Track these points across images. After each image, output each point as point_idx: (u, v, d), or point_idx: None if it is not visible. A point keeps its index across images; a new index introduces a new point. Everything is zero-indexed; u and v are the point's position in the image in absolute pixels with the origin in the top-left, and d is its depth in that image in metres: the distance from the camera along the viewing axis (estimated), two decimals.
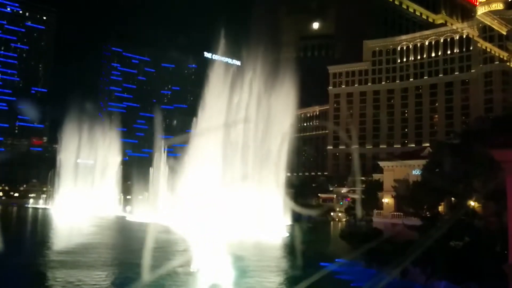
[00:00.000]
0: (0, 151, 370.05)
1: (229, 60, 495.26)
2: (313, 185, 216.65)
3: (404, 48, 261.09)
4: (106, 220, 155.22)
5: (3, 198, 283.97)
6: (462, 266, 47.07)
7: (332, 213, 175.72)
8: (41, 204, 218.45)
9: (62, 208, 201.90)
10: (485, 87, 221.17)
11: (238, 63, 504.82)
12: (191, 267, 63.71)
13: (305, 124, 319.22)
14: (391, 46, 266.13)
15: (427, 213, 55.90)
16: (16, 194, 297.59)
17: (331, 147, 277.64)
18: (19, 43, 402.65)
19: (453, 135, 69.61)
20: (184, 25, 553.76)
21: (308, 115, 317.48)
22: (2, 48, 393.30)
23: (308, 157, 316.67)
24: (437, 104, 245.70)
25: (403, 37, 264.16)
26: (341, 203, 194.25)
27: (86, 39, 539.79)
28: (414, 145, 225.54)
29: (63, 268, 62.50)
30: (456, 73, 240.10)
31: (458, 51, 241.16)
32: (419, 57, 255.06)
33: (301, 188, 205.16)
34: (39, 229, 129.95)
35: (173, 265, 64.26)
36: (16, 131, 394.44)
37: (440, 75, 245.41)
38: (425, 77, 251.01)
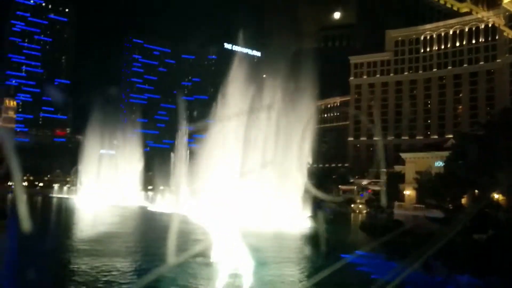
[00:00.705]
0: (24, 141, 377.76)
1: (249, 51, 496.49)
2: (333, 176, 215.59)
3: (428, 37, 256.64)
4: (128, 210, 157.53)
5: (28, 188, 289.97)
6: (485, 260, 46.38)
7: (352, 205, 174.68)
8: (64, 194, 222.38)
9: (85, 198, 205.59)
10: (510, 77, 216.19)
11: (258, 54, 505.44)
12: (211, 257, 64.24)
13: (325, 115, 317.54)
14: (414, 36, 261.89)
15: (450, 205, 55.08)
16: (41, 184, 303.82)
17: (352, 138, 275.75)
18: (42, 35, 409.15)
19: (477, 126, 68.30)
20: (205, 17, 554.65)
21: (329, 106, 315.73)
22: (26, 41, 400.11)
23: (328, 148, 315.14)
24: (461, 95, 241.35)
25: (427, 26, 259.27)
26: (361, 194, 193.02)
27: (107, 31, 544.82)
28: (437, 137, 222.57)
29: (86, 256, 63.66)
30: (481, 63, 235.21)
31: (483, 40, 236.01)
32: (443, 47, 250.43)
33: (322, 179, 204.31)
34: (64, 218, 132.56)
35: (193, 255, 64.84)
36: (40, 122, 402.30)
37: (465, 65, 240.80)
38: (449, 67, 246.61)
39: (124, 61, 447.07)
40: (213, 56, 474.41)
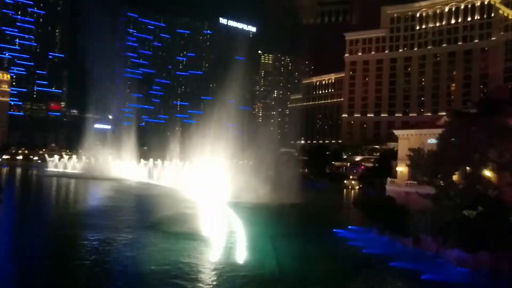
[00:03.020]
0: (19, 115, 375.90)
1: (245, 26, 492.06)
2: (327, 153, 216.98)
3: (424, 14, 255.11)
4: (123, 184, 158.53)
5: (24, 161, 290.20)
6: (475, 236, 47.70)
7: (345, 181, 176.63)
8: (60, 168, 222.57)
9: (81, 172, 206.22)
10: (505, 55, 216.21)
11: (253, 29, 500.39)
12: (206, 232, 65.53)
13: (320, 92, 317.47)
14: (410, 13, 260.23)
15: (441, 182, 56.13)
16: (36, 158, 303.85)
17: (346, 115, 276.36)
18: (35, 8, 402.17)
19: (470, 104, 68.91)
20: None
21: (324, 82, 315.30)
22: (19, 13, 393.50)
23: (322, 124, 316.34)
24: (455, 73, 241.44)
25: (423, 3, 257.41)
26: (354, 171, 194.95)
27: (102, 5, 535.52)
28: (430, 114, 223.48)
29: (89, 230, 64.79)
30: (475, 40, 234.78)
31: (478, 18, 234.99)
32: (438, 24, 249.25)
33: (315, 155, 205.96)
34: (64, 192, 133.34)
35: (188, 229, 66.15)
36: (35, 96, 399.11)
37: (459, 43, 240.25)
38: (443, 45, 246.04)
39: (119, 35, 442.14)
40: (208, 31, 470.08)
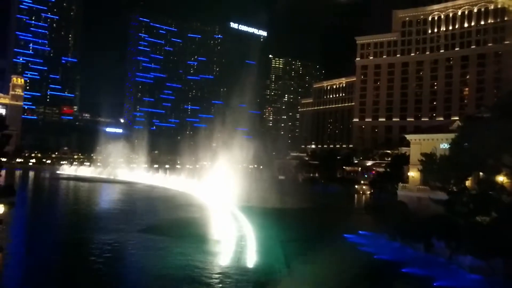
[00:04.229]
0: (32, 119, 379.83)
1: (256, 31, 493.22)
2: (338, 157, 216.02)
3: (436, 18, 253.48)
4: (134, 187, 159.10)
5: (37, 164, 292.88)
6: (488, 242, 46.97)
7: (356, 186, 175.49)
8: (72, 171, 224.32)
9: (92, 175, 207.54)
10: None
11: (264, 33, 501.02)
12: (218, 236, 65.51)
13: (331, 96, 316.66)
14: (422, 16, 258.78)
15: (454, 187, 55.50)
16: (48, 161, 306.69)
17: (357, 120, 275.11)
18: (49, 13, 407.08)
19: (483, 108, 68.26)
20: None
21: (334, 86, 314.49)
22: (33, 18, 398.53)
23: (333, 129, 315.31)
24: (468, 77, 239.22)
25: (435, 6, 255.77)
26: (365, 175, 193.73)
27: (114, 10, 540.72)
28: (442, 119, 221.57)
29: (97, 232, 65.01)
30: (489, 44, 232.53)
31: (492, 21, 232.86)
32: (451, 28, 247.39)
33: (325, 160, 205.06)
34: (77, 195, 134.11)
35: (200, 233, 66.15)
36: (48, 100, 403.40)
37: (473, 47, 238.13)
38: (456, 49, 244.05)
39: (131, 40, 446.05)
40: (219, 36, 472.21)
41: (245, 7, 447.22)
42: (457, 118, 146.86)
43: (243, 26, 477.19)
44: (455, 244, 52.21)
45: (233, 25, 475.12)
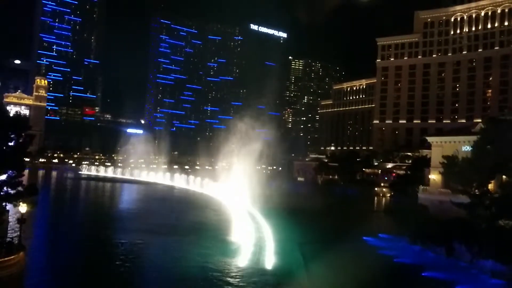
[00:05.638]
0: (55, 119, 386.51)
1: (275, 32, 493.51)
2: (358, 159, 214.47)
3: (458, 19, 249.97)
4: (154, 188, 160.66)
5: (59, 164, 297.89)
6: (511, 246, 46.32)
7: (376, 188, 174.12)
8: (93, 172, 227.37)
9: (113, 175, 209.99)
10: None
11: (284, 35, 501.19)
12: (236, 237, 65.84)
13: (350, 98, 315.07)
14: (444, 17, 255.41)
15: (476, 191, 54.78)
16: (71, 161, 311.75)
17: (377, 121, 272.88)
18: (72, 15, 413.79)
19: (507, 111, 67.28)
20: None
21: (355, 88, 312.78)
22: (57, 20, 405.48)
23: (353, 131, 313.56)
24: (491, 78, 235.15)
25: (457, 7, 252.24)
26: (385, 178, 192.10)
27: (136, 12, 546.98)
28: (464, 121, 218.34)
29: (121, 232, 65.97)
30: None
31: None
32: (473, 29, 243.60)
33: (345, 162, 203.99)
34: (99, 195, 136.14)
35: (218, 234, 66.61)
36: (70, 101, 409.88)
37: (496, 48, 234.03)
38: (479, 50, 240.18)
39: (152, 42, 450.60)
40: (239, 37, 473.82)
41: (266, 9, 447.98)
42: (479, 120, 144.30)
43: (263, 27, 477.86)
44: (476, 248, 51.57)
45: (253, 26, 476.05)
